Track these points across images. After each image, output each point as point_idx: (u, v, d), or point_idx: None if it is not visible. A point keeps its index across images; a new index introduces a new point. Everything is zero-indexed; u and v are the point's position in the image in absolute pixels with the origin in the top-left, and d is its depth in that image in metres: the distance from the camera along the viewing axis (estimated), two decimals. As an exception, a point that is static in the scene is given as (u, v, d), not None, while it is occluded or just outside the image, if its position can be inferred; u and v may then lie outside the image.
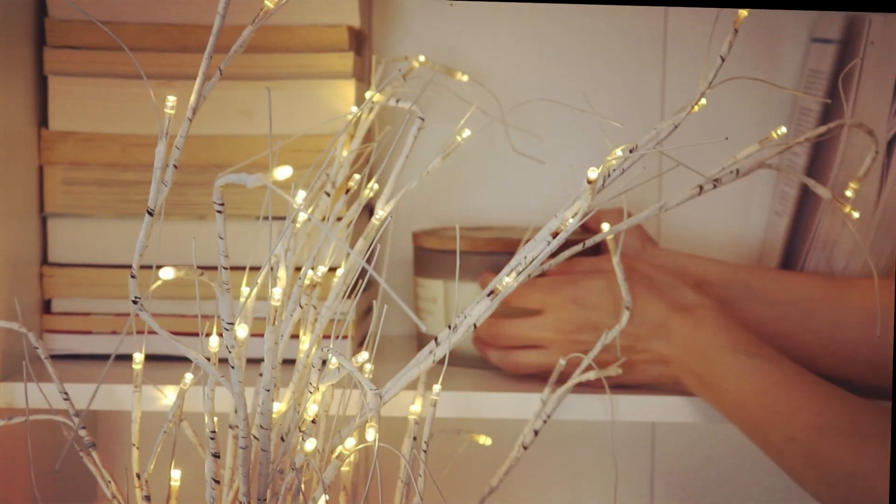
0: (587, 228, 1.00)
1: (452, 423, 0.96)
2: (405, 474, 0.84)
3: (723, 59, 0.69)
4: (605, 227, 0.79)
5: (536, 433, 0.90)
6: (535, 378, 0.96)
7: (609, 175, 0.70)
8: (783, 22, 1.13)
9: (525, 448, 0.90)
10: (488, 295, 0.73)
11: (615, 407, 0.92)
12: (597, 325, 0.92)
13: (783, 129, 0.77)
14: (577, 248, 0.78)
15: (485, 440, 0.92)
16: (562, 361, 0.89)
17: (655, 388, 0.94)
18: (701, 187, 0.75)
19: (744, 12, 0.68)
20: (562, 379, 0.91)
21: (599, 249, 0.97)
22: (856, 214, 0.79)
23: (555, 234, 0.71)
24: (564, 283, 0.94)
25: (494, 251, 0.99)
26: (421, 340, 1.05)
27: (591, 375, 0.89)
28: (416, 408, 0.84)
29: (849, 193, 0.81)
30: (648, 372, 0.92)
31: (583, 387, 0.91)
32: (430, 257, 1.02)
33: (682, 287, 0.93)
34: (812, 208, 1.03)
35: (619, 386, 0.93)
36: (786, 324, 0.95)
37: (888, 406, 0.84)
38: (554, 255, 0.75)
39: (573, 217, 0.70)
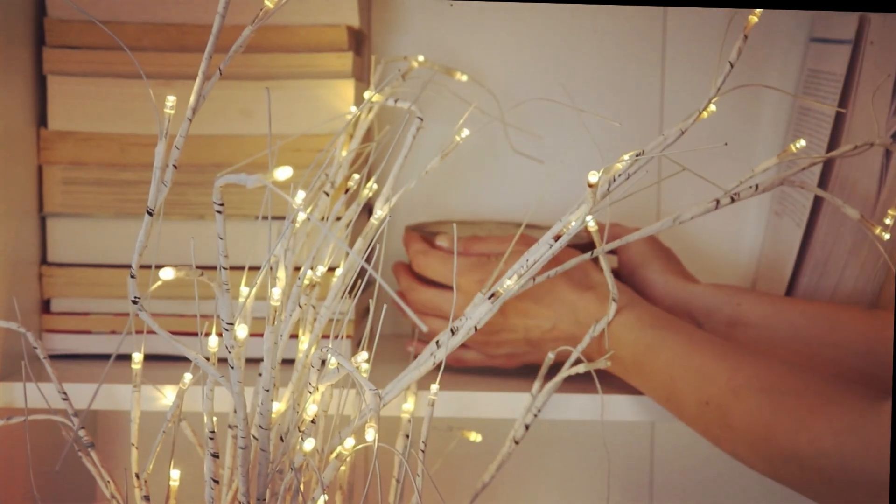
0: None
1: (446, 423, 0.96)
2: (401, 473, 0.84)
3: (731, 65, 0.69)
4: (590, 221, 0.78)
5: (527, 427, 0.90)
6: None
7: (615, 179, 0.70)
8: (781, 22, 1.13)
9: (516, 443, 0.90)
10: (489, 297, 0.73)
11: (614, 407, 0.93)
12: (502, 310, 0.93)
13: (802, 143, 0.77)
14: (586, 256, 0.78)
15: (475, 437, 0.93)
16: (550, 355, 0.90)
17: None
18: (718, 201, 0.75)
19: (754, 18, 0.68)
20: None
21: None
22: (886, 236, 0.78)
23: (557, 238, 0.71)
24: (474, 265, 0.95)
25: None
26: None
27: (580, 369, 0.89)
28: (409, 406, 0.84)
29: (888, 221, 0.78)
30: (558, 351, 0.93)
31: (586, 384, 0.91)
32: None
33: (589, 268, 0.94)
34: (812, 211, 1.03)
35: (528, 365, 0.93)
36: (841, 368, 0.92)
37: (796, 365, 0.84)
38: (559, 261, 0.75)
39: (576, 221, 0.70)
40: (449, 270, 0.95)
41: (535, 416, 0.90)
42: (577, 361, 0.89)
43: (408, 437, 0.82)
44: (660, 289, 0.98)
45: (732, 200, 0.75)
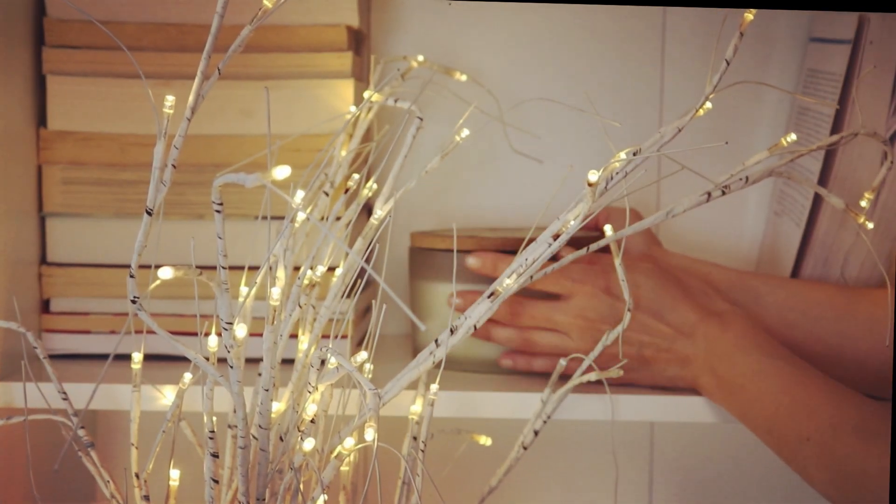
0: (593, 226, 1.00)
1: (453, 423, 0.96)
2: (404, 474, 0.84)
3: (727, 63, 0.69)
4: (608, 229, 0.79)
5: (536, 433, 0.90)
6: (538, 376, 0.96)
7: (612, 178, 0.70)
8: (780, 21, 1.13)
9: (525, 448, 0.90)
10: (489, 297, 0.73)
11: (617, 407, 0.92)
12: (622, 318, 0.92)
13: (793, 136, 0.77)
14: (581, 252, 0.77)
15: (485, 440, 0.92)
16: (562, 362, 0.89)
17: (664, 390, 0.94)
18: (709, 194, 0.75)
19: (749, 16, 0.68)
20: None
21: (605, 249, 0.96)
22: (870, 225, 0.78)
23: (556, 237, 0.71)
24: (597, 272, 0.94)
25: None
26: (415, 341, 1.04)
27: (591, 377, 0.88)
28: (417, 408, 0.84)
29: (864, 203, 0.79)
30: (665, 372, 0.92)
31: (589, 385, 0.90)
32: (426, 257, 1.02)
33: (712, 294, 0.94)
34: (813, 209, 1.03)
35: (629, 385, 0.93)
36: (795, 332, 0.95)
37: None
38: (556, 257, 0.75)
39: (575, 219, 0.70)
40: (571, 279, 0.94)
41: (545, 422, 0.90)
42: (589, 369, 0.88)
43: (416, 438, 0.82)
44: (642, 253, 0.99)
45: (723, 193, 0.75)
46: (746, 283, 0.97)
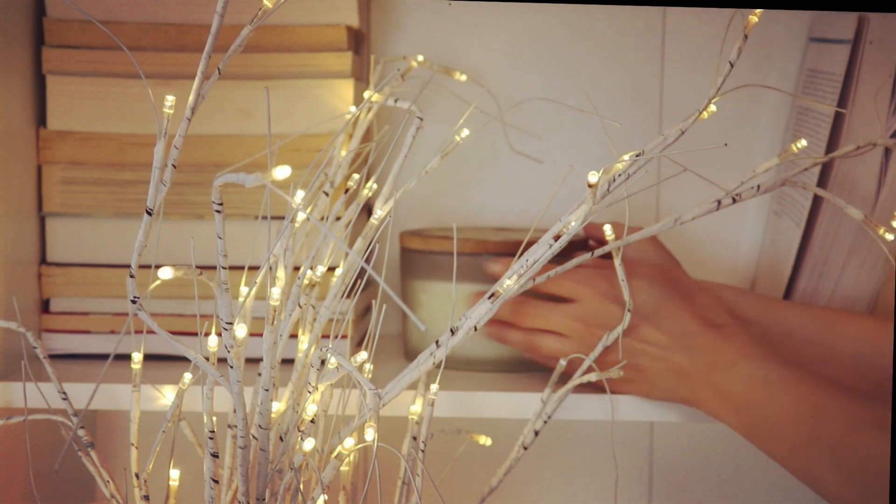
0: (589, 236, 0.99)
1: (453, 423, 0.96)
2: (404, 474, 0.84)
3: (731, 65, 0.68)
4: (607, 228, 0.78)
5: (537, 433, 0.90)
6: (541, 375, 0.96)
7: (614, 180, 0.70)
8: (780, 22, 1.13)
9: (525, 448, 0.90)
10: (489, 297, 0.73)
11: (617, 406, 0.92)
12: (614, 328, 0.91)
13: (803, 142, 0.76)
14: (586, 256, 0.77)
15: (485, 440, 0.92)
16: (562, 362, 0.89)
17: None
18: (719, 202, 0.74)
19: (754, 18, 0.68)
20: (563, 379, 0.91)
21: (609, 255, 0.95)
22: (889, 236, 0.77)
23: (557, 238, 0.71)
24: (601, 276, 0.92)
25: (480, 252, 0.98)
26: (406, 340, 1.04)
27: (592, 377, 0.88)
28: (417, 408, 0.84)
29: (895, 224, 0.78)
30: (660, 384, 0.90)
31: (585, 387, 0.90)
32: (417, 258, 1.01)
33: (717, 309, 0.91)
34: (813, 209, 1.03)
35: (623, 395, 0.92)
36: (830, 369, 0.92)
37: None
38: (559, 261, 0.75)
39: (576, 221, 0.70)
40: (575, 282, 0.92)
41: (545, 422, 0.90)
42: (590, 369, 0.88)
43: (416, 438, 0.82)
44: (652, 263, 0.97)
45: (734, 201, 0.75)
46: (777, 315, 0.94)
